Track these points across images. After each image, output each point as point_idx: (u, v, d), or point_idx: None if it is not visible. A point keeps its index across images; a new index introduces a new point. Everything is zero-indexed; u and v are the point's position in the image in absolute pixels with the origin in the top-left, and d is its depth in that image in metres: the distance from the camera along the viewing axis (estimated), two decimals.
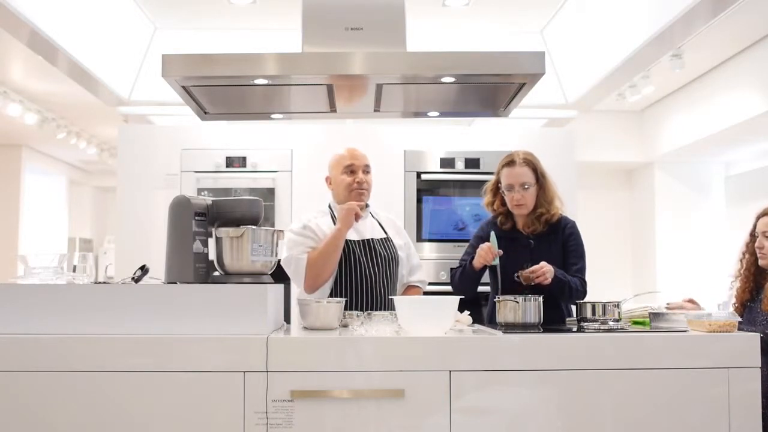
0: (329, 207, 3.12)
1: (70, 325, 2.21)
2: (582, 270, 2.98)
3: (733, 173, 8.11)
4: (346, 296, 2.91)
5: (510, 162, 3.00)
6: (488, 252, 2.85)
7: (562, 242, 3.01)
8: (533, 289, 2.76)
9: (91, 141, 8.95)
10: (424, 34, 4.77)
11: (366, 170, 3.07)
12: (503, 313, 2.47)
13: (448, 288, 4.37)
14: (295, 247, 2.96)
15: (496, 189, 3.07)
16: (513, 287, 2.82)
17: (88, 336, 2.19)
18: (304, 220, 3.05)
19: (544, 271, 2.78)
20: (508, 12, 5.28)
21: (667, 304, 2.74)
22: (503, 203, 3.05)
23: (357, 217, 2.92)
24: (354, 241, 3.00)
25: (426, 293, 3.24)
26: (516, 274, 2.83)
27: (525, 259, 2.93)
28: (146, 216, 4.74)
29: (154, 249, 3.95)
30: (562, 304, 2.96)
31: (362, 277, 2.97)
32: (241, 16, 5.24)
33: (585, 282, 2.95)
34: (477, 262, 2.90)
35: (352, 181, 3.03)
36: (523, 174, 2.96)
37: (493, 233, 2.89)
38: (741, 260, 2.97)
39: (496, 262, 2.84)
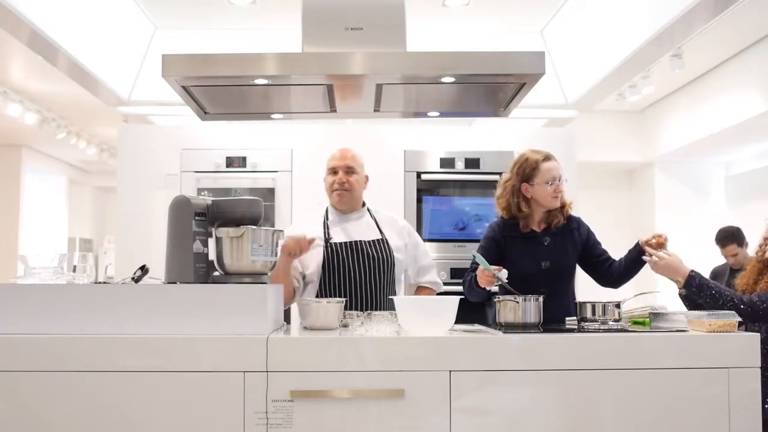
0: (326, 210, 3.13)
1: (70, 325, 2.21)
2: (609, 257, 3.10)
3: (733, 173, 8.11)
4: (331, 297, 2.91)
5: (547, 157, 3.03)
6: (484, 277, 2.80)
7: (578, 239, 3.06)
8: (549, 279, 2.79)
9: (91, 141, 8.96)
10: (424, 34, 4.77)
11: (349, 171, 3.06)
12: (503, 313, 2.46)
13: (449, 288, 4.37)
14: None
15: (518, 190, 3.03)
16: (535, 291, 2.76)
17: (88, 336, 2.19)
18: (292, 231, 3.07)
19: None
20: (508, 12, 5.28)
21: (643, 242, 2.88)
22: (527, 204, 3.02)
23: (299, 251, 2.82)
24: (340, 242, 3.00)
25: None
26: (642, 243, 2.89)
27: (542, 258, 2.97)
28: (146, 216, 4.74)
29: (154, 249, 3.95)
30: (570, 303, 2.98)
31: (347, 279, 2.97)
32: (241, 16, 5.25)
33: None
34: (481, 284, 2.86)
35: (332, 182, 3.05)
36: (560, 168, 3.03)
37: (479, 255, 2.82)
38: (756, 253, 2.98)
39: (502, 278, 2.76)
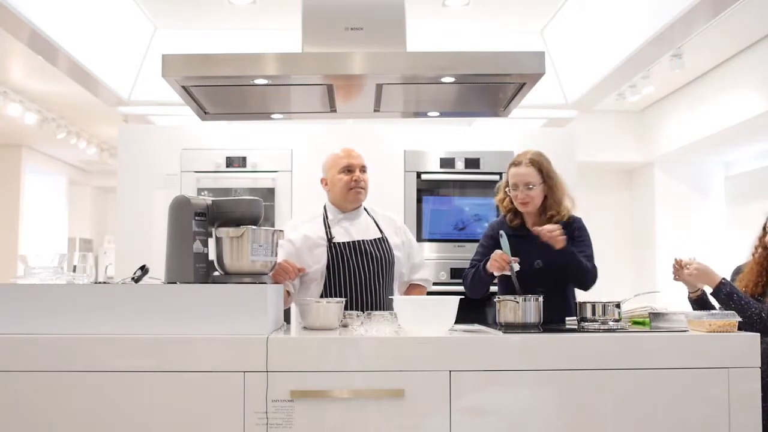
0: (324, 209, 3.12)
1: (70, 325, 2.21)
2: (591, 257, 3.02)
3: (733, 173, 8.11)
4: (334, 297, 2.91)
5: (516, 162, 3.04)
6: (501, 260, 2.82)
7: (570, 239, 3.01)
8: (542, 279, 2.77)
9: (91, 141, 8.95)
10: (424, 34, 4.76)
11: (363, 169, 3.08)
12: (503, 313, 2.46)
13: (449, 288, 4.39)
14: None
15: (507, 187, 3.08)
16: (530, 291, 2.75)
17: (88, 336, 2.19)
18: (291, 229, 3.07)
19: (557, 234, 2.83)
20: (508, 12, 5.28)
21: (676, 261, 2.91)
22: (512, 201, 3.06)
23: (285, 277, 2.79)
24: (343, 243, 3.00)
25: (428, 293, 3.24)
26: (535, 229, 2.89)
27: (534, 257, 2.95)
28: (146, 216, 4.74)
29: (154, 249, 3.95)
30: (570, 301, 2.98)
31: (352, 279, 2.97)
32: (241, 16, 5.24)
33: (596, 267, 2.99)
34: (491, 268, 2.88)
35: (349, 180, 3.04)
36: (528, 174, 2.98)
37: (505, 237, 2.84)
38: (753, 254, 2.98)
39: (514, 268, 2.78)
